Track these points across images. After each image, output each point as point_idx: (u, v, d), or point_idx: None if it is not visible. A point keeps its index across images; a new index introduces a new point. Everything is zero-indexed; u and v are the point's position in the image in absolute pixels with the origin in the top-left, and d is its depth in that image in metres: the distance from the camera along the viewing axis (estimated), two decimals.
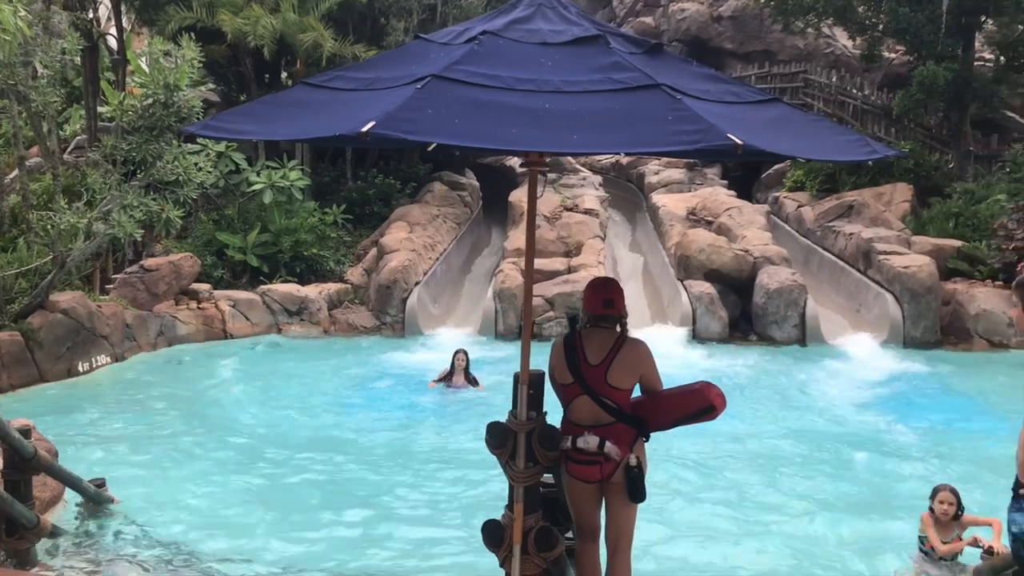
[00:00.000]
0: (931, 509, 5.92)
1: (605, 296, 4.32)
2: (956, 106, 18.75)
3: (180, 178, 13.21)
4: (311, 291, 14.68)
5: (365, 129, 2.87)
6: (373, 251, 15.87)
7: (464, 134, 3.04)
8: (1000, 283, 14.25)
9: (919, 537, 6.08)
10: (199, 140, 15.28)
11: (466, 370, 10.80)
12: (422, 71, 3.31)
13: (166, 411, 10.03)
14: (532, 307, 14.57)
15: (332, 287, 15.13)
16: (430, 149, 4.47)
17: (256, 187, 16.12)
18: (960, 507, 5.88)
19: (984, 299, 14.02)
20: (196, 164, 13.48)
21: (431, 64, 3.41)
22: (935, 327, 13.95)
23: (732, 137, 2.91)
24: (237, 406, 10.28)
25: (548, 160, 4.05)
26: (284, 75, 19.21)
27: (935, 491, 5.98)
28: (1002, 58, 18.97)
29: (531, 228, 4.28)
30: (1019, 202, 15.22)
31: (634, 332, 4.43)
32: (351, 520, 6.97)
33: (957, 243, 15.36)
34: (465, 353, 10.94)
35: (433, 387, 10.84)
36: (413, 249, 15.35)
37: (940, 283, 14.23)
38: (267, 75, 18.91)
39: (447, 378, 10.82)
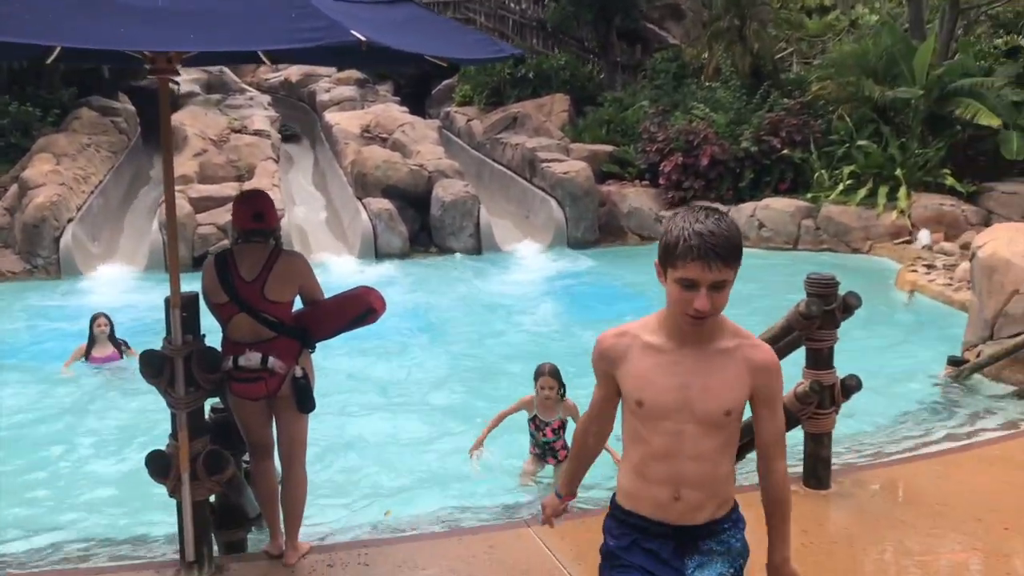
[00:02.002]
0: (536, 392, 5.80)
1: (254, 210, 4.19)
2: (603, 18, 20.08)
3: None
4: None
5: None
6: (14, 187, 14.21)
7: (61, 34, 2.75)
8: (646, 182, 15.69)
9: (529, 419, 5.95)
10: None
11: (111, 337, 8.95)
12: None
13: None
14: (192, 233, 13.64)
15: None
16: (49, 61, 4.03)
17: None
18: (562, 388, 5.74)
19: (634, 198, 15.40)
20: None
21: None
22: (594, 227, 15.13)
23: (355, 34, 2.88)
24: None
25: (178, 67, 3.80)
26: None
27: (537, 375, 5.76)
28: None
29: (168, 143, 4.03)
30: (659, 106, 16.73)
31: (316, 254, 4.35)
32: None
33: (609, 148, 16.63)
34: (107, 317, 9.01)
35: (68, 371, 8.76)
36: (62, 183, 13.94)
37: (596, 186, 15.39)
38: None
39: (87, 352, 8.89)
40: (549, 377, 5.72)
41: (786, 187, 14.79)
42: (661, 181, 15.09)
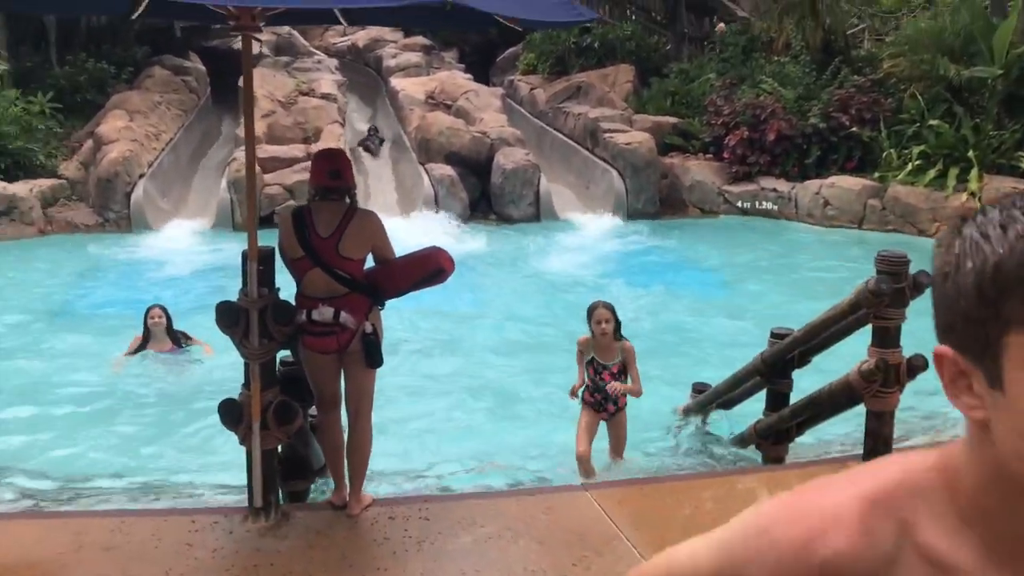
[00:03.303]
0: (591, 331, 5.37)
1: (331, 167, 4.28)
2: None
3: None
4: (20, 188, 13.33)
5: None
6: (89, 142, 14.61)
7: None
8: (710, 156, 15.50)
9: (587, 363, 5.44)
10: None
11: (169, 329, 7.98)
12: None
13: None
14: (259, 193, 13.81)
15: (45, 183, 13.81)
16: (136, 15, 4.14)
17: None
18: (618, 324, 5.35)
19: (696, 171, 15.25)
20: None
21: None
22: (655, 199, 15.03)
23: None
24: None
25: (262, 24, 3.88)
26: None
27: (591, 311, 5.38)
28: None
29: (249, 98, 4.13)
30: (726, 79, 16.49)
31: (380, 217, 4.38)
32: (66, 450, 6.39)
33: (673, 120, 16.45)
34: (163, 309, 8.03)
35: (120, 367, 7.84)
36: (135, 139, 14.28)
37: (659, 158, 15.26)
38: None
39: (142, 346, 7.93)
40: (604, 309, 5.31)
41: (853, 165, 14.50)
42: (725, 155, 14.91)
